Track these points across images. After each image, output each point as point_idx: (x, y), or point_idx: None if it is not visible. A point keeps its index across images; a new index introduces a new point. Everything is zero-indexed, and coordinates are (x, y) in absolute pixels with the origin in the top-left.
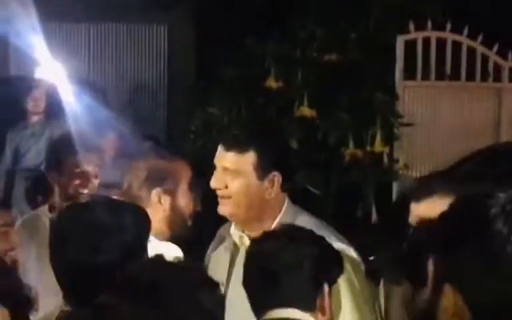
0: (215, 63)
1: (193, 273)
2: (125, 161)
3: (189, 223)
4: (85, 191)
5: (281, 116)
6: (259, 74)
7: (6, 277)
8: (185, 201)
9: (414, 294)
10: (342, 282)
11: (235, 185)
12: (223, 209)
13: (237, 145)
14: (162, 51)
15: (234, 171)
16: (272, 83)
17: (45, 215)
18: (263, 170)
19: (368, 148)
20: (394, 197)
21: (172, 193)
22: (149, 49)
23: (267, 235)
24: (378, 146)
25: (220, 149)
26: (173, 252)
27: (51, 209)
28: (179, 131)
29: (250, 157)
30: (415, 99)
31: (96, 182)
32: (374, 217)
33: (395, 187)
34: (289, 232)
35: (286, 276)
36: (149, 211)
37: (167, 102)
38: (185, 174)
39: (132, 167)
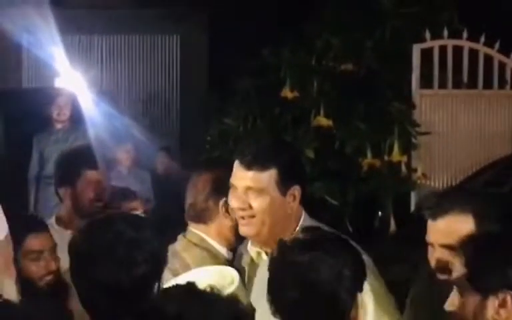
0: (229, 73)
1: (223, 304)
2: (140, 171)
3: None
4: (100, 204)
5: (297, 126)
6: (275, 84)
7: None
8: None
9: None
10: (366, 288)
11: (259, 203)
12: (247, 229)
13: (258, 163)
14: (174, 61)
15: (257, 190)
16: (287, 93)
17: (52, 227)
18: (284, 185)
19: (385, 157)
20: (412, 207)
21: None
22: (162, 59)
23: (297, 243)
24: (396, 155)
25: (238, 167)
26: (217, 277)
27: (58, 222)
28: (193, 141)
29: (272, 174)
30: (432, 107)
31: (106, 196)
32: (392, 227)
33: (413, 197)
34: (320, 241)
35: (323, 289)
36: (218, 221)
37: (180, 112)
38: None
39: (195, 180)
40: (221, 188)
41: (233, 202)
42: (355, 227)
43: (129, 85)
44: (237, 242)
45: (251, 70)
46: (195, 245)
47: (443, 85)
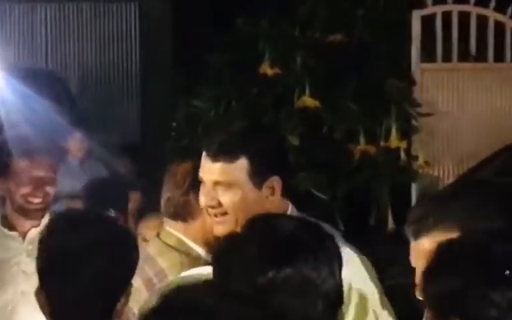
0: (197, 48)
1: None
2: (93, 163)
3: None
4: (37, 201)
5: (278, 108)
6: (251, 59)
7: None
8: None
9: None
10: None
11: (229, 199)
12: (220, 228)
13: (225, 153)
14: (132, 33)
15: (226, 184)
16: (267, 69)
17: None
18: (259, 176)
19: (382, 143)
20: (413, 200)
21: None
22: (117, 31)
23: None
24: (393, 141)
25: (205, 159)
26: None
27: (3, 223)
28: (156, 127)
29: (242, 164)
30: (435, 84)
31: (52, 190)
32: (390, 225)
33: (414, 189)
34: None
35: None
36: (201, 220)
37: (141, 93)
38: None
39: (174, 171)
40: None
41: (202, 199)
42: (346, 224)
43: (78, 61)
44: None
45: (224, 43)
46: (172, 247)
47: (447, 58)
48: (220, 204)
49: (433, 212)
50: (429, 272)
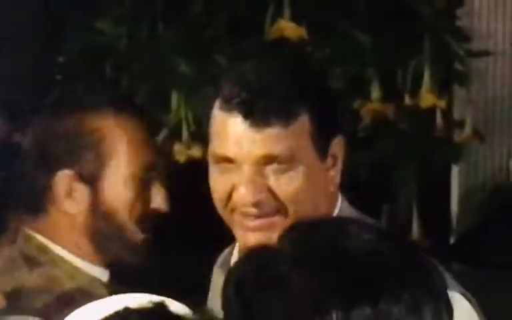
0: None
1: None
2: None
3: (137, 235)
4: None
5: (237, 38)
6: None
7: None
8: (121, 191)
9: None
10: None
11: (288, 184)
12: (258, 236)
13: (279, 111)
14: None
15: (284, 160)
16: None
17: None
18: (323, 139)
19: (406, 99)
20: (454, 193)
21: (94, 178)
22: None
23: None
24: (425, 96)
25: (237, 124)
26: None
27: None
28: (37, 65)
29: (303, 125)
30: (494, 7)
31: None
32: (415, 230)
33: (456, 174)
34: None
35: None
36: (54, 212)
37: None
38: (120, 137)
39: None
40: (59, 151)
41: (245, 192)
42: None
43: None
44: (102, 254)
45: None
46: (32, 259)
47: None
48: (274, 196)
49: None
50: None
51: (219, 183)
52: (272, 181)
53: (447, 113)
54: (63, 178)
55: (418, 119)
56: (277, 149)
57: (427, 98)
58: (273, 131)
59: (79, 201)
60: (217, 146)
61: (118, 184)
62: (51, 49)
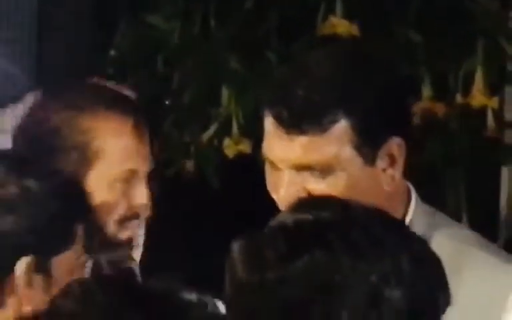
0: None
1: None
2: None
3: (120, 234)
4: None
5: (289, 35)
6: None
7: None
8: (104, 193)
9: None
10: None
11: (332, 190)
12: None
13: (313, 118)
14: None
15: (320, 167)
16: None
17: None
18: (370, 143)
19: (458, 98)
20: (503, 197)
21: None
22: None
23: None
24: (477, 95)
25: (273, 132)
26: None
27: None
28: (89, 58)
29: (342, 131)
30: None
31: None
32: None
33: (507, 176)
34: None
35: None
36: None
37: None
38: (111, 140)
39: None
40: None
41: (281, 195)
42: None
43: None
44: None
45: None
46: None
47: None
48: None
49: None
50: None
51: (268, 179)
52: (312, 185)
53: (499, 113)
54: None
55: (469, 119)
56: (311, 156)
57: (479, 97)
58: (306, 139)
59: None
60: (264, 147)
61: (102, 186)
62: (103, 43)
